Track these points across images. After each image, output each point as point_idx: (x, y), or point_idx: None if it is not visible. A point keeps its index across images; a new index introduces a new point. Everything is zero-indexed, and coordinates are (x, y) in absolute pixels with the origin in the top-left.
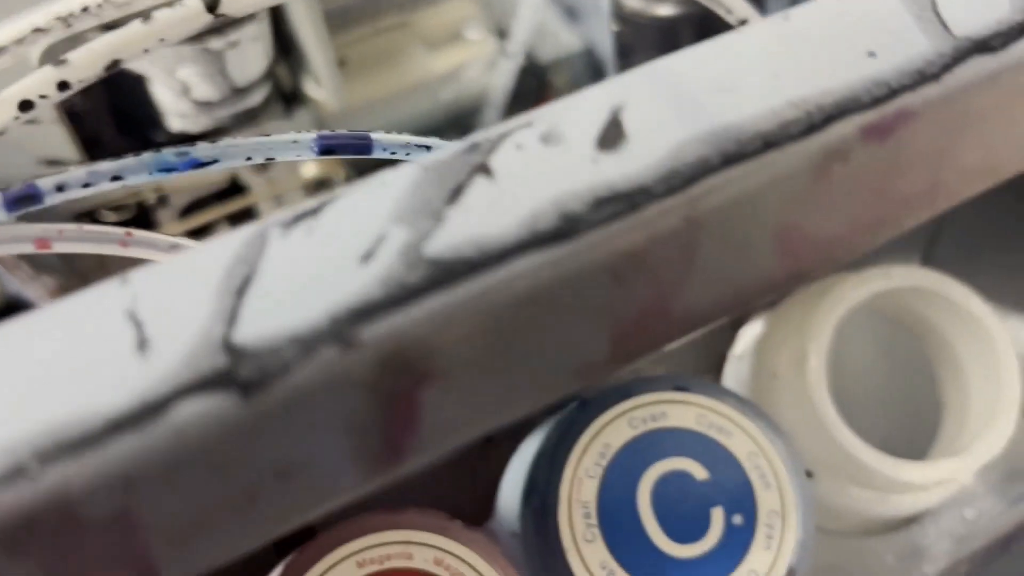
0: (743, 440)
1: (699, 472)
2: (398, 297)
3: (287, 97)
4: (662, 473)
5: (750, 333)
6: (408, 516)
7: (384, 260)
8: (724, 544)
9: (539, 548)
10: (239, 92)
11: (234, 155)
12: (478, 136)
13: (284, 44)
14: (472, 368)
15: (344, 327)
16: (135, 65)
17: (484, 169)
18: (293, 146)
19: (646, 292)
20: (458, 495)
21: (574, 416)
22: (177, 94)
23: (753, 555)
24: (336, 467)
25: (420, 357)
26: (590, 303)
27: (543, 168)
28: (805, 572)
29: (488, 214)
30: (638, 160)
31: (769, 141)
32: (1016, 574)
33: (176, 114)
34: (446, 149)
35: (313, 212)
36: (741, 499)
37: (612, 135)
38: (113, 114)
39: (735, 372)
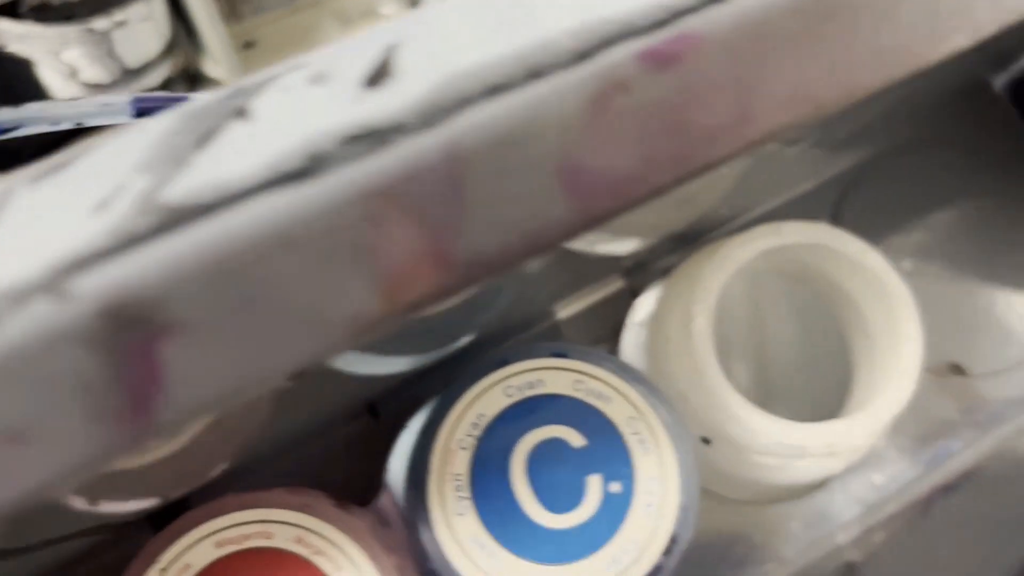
0: (622, 405)
1: (576, 439)
2: (122, 245)
3: (191, 78)
4: (537, 442)
5: (647, 300)
6: (269, 495)
7: (118, 209)
8: (601, 513)
9: (413, 523)
10: (132, 73)
11: (40, 120)
12: (246, 80)
13: (188, 25)
14: (217, 319)
15: (59, 278)
16: (18, 48)
17: (241, 112)
18: (106, 109)
19: (411, 234)
20: (348, 473)
21: (450, 388)
22: (65, 77)
23: (632, 523)
24: (77, 430)
25: (152, 309)
26: (344, 246)
27: (302, 109)
28: (689, 538)
29: (235, 157)
30: (398, 97)
31: (534, 71)
32: (940, 540)
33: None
34: (211, 94)
35: (62, 164)
36: (619, 466)
37: (380, 74)
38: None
39: (634, 339)
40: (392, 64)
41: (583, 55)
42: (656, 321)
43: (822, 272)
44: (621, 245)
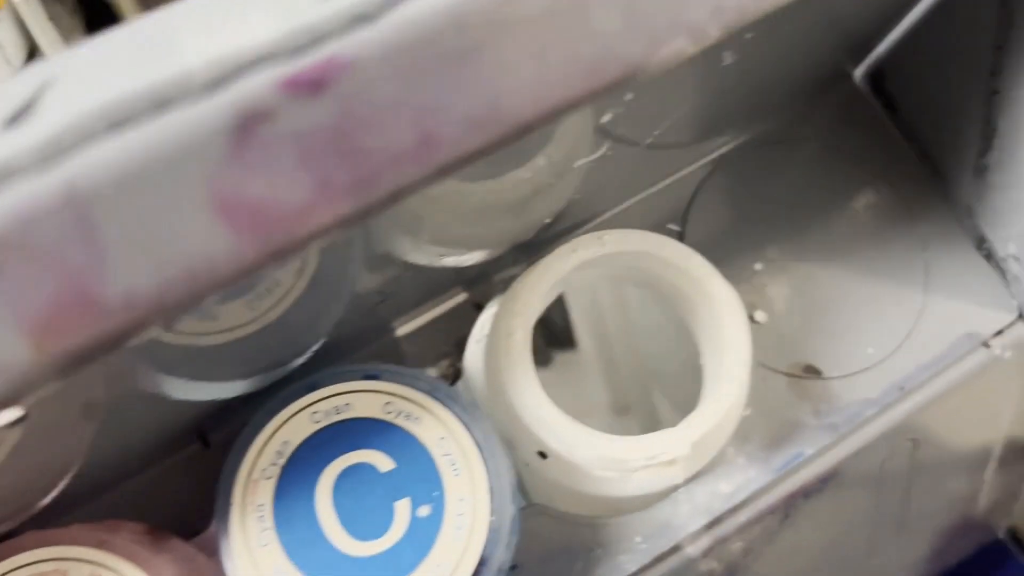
0: (433, 426)
1: (384, 463)
2: None
3: None
4: (345, 468)
5: (487, 315)
6: (68, 532)
7: None
8: (409, 538)
9: (221, 556)
10: None
11: None
12: None
13: None
14: None
15: None
16: None
17: None
18: None
19: (45, 281)
20: (180, 502)
21: (256, 415)
22: None
23: (440, 547)
24: None
25: None
26: None
27: None
28: (504, 559)
29: None
30: (23, 138)
31: (162, 104)
32: (808, 544)
33: None
34: None
35: None
36: (429, 489)
37: (22, 112)
38: None
39: (474, 356)
40: (38, 102)
41: (215, 85)
42: (489, 336)
43: (666, 280)
44: (465, 257)
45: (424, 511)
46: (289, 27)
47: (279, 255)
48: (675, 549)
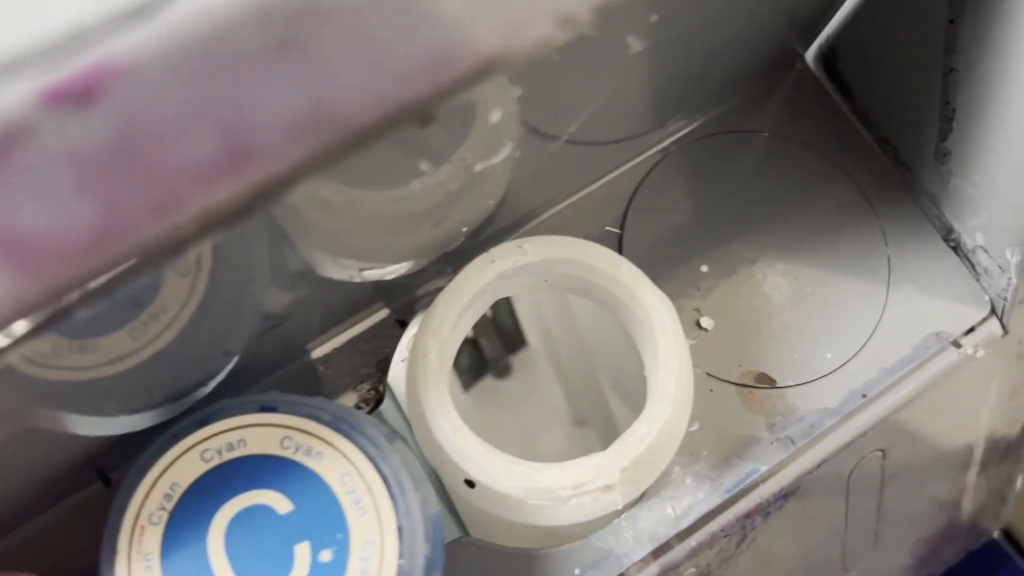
0: (336, 461)
1: (282, 505)
2: None
3: None
4: (239, 511)
5: (412, 332)
6: None
7: None
8: None
9: None
10: None
11: None
12: None
13: None
14: None
15: None
16: None
17: None
18: None
19: None
20: (80, 547)
21: (142, 455)
22: None
23: None
24: None
25: None
26: None
27: None
28: None
29: None
30: None
31: None
32: (772, 564)
33: None
34: None
35: None
36: (331, 530)
37: None
38: None
39: (397, 376)
40: None
41: None
42: (409, 357)
43: (593, 285)
44: (386, 270)
45: (326, 556)
46: (47, 30)
47: (72, 290)
48: None
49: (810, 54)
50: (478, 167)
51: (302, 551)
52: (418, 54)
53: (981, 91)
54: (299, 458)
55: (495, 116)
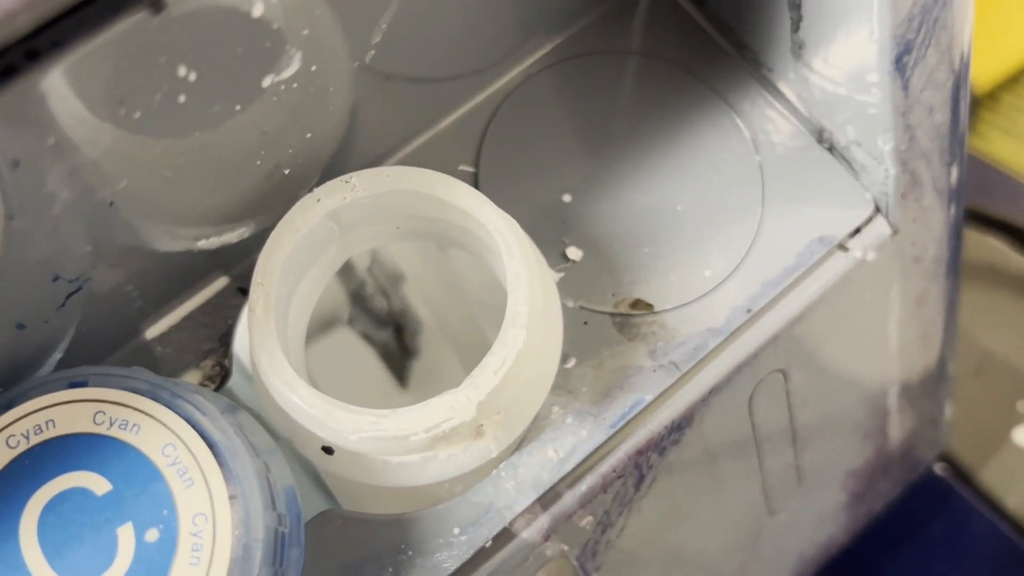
0: (155, 433)
1: (99, 485)
2: None
3: None
4: (52, 496)
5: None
6: None
7: None
8: (136, 570)
9: None
10: None
11: None
12: None
13: None
14: None
15: None
16: None
17: None
18: None
19: None
20: None
21: None
22: None
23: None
24: None
25: None
26: None
27: None
28: None
29: None
30: None
31: None
32: (677, 507)
33: None
34: None
35: None
36: (156, 507)
37: None
38: None
39: (245, 353)
40: None
41: None
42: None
43: (437, 222)
44: (223, 237)
45: (152, 535)
46: None
47: None
48: (505, 535)
49: None
50: (279, 88)
51: (125, 533)
52: None
53: None
54: (114, 433)
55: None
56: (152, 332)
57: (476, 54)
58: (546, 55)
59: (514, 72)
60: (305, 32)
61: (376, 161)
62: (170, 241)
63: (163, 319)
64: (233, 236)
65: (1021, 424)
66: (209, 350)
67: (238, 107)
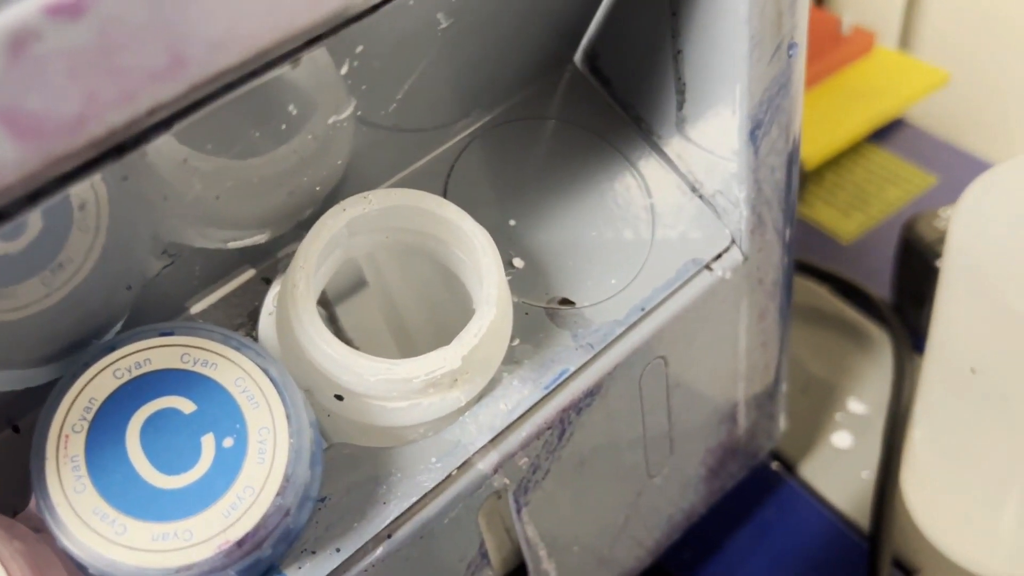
0: (229, 369)
1: (186, 406)
2: None
3: None
4: (150, 414)
5: (274, 291)
6: None
7: None
8: (217, 466)
9: (39, 508)
10: None
11: None
12: None
13: None
14: None
15: None
16: None
17: None
18: None
19: None
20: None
21: (61, 380)
22: None
23: (247, 470)
24: None
25: None
26: None
27: None
28: (306, 478)
29: None
30: None
31: None
32: (589, 462)
33: None
34: None
35: None
36: (231, 422)
37: None
38: None
39: (267, 327)
40: None
41: None
42: (279, 295)
43: (425, 234)
44: (252, 239)
45: (228, 442)
46: None
47: (60, 161)
48: (467, 465)
49: (578, 56)
50: (330, 121)
51: (208, 440)
52: None
53: (701, 65)
54: (198, 369)
55: (344, 70)
56: (196, 308)
57: (444, 113)
58: (494, 117)
59: (474, 127)
60: (332, 108)
61: (367, 188)
62: (212, 241)
63: (205, 299)
64: (261, 239)
65: (836, 431)
66: (240, 323)
67: (294, 141)
